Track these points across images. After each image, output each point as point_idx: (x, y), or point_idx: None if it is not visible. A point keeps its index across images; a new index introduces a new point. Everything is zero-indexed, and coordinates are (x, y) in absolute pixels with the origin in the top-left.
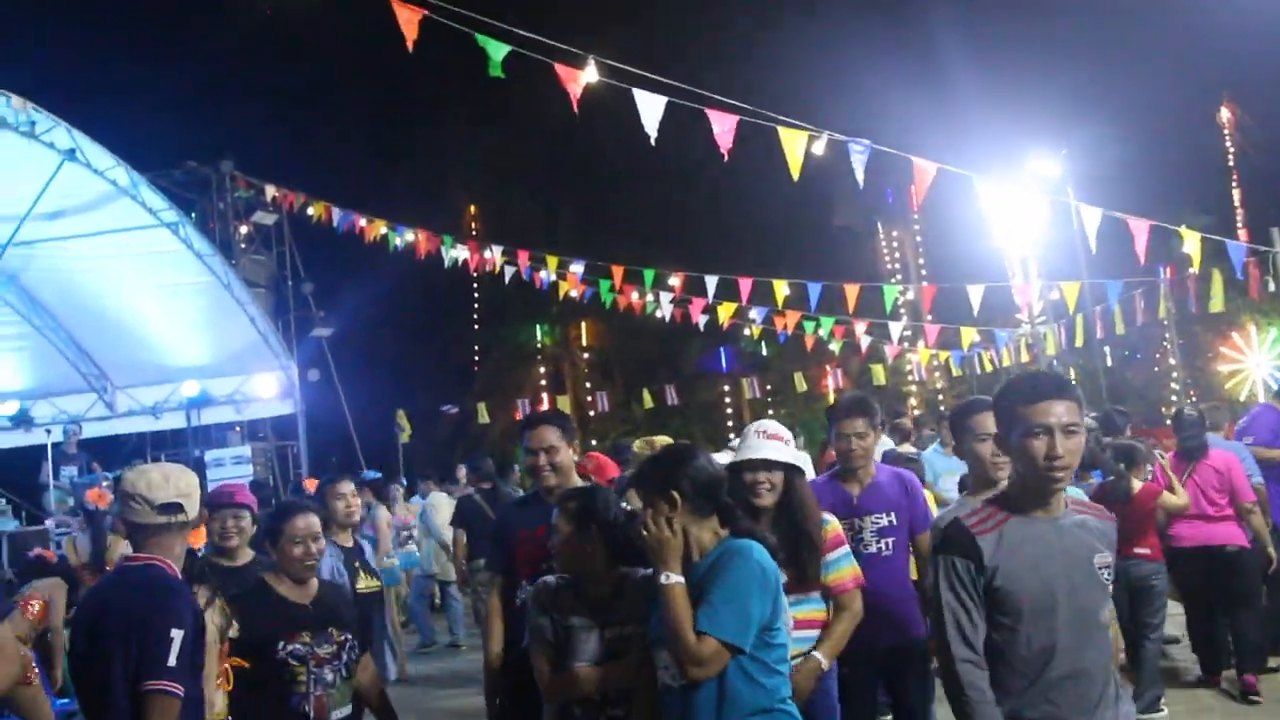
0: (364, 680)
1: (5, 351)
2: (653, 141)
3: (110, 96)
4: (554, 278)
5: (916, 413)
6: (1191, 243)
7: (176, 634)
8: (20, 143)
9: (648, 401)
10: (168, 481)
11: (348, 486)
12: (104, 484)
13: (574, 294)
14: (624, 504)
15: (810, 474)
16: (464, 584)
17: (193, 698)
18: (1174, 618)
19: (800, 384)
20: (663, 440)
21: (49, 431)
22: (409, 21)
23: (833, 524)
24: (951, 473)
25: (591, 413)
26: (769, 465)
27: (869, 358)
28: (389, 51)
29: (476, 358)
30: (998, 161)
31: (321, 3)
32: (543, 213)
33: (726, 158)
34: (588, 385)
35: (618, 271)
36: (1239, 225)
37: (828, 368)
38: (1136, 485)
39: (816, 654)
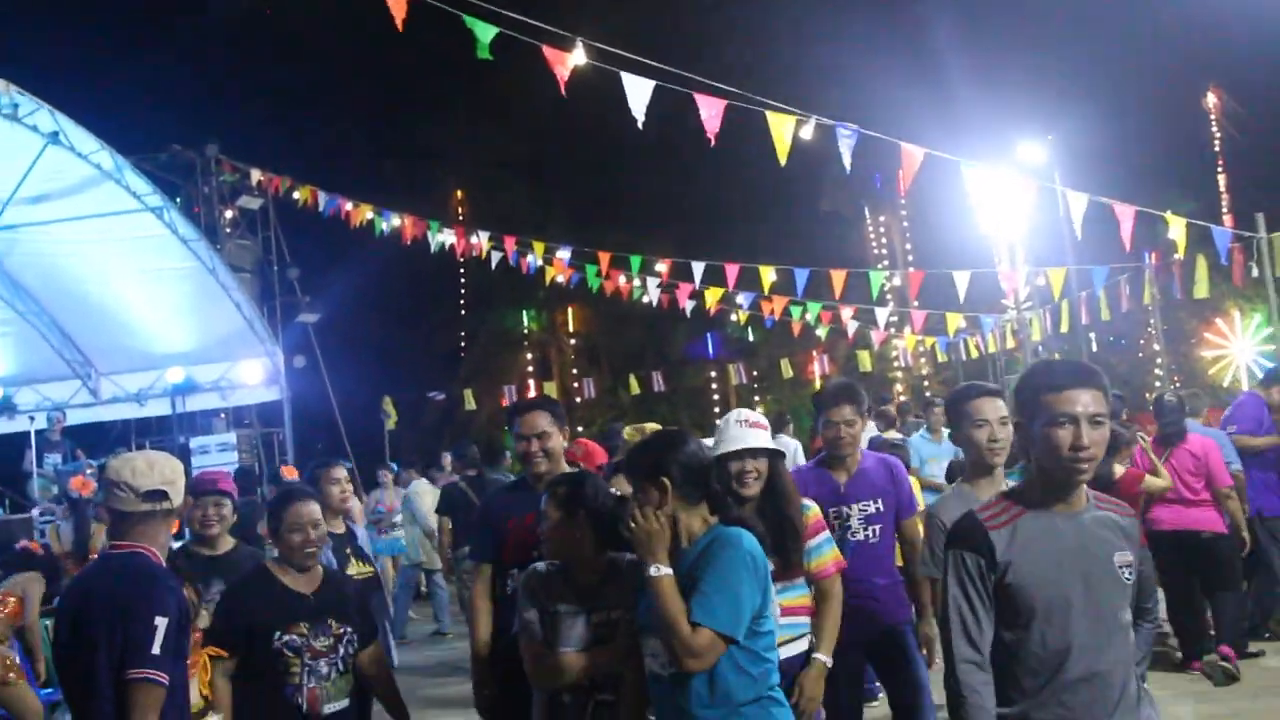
0: (372, 670)
1: None
2: (640, 125)
3: (94, 79)
4: (541, 263)
5: (902, 398)
6: (1177, 228)
7: (161, 622)
8: (3, 126)
9: (634, 387)
10: (152, 469)
11: (341, 472)
12: (88, 472)
13: (561, 279)
14: (613, 489)
15: (800, 460)
16: (449, 572)
17: (177, 686)
18: None
19: (787, 370)
20: (653, 427)
21: (32, 419)
22: (397, 2)
23: (813, 510)
24: (937, 458)
25: (578, 399)
26: (754, 454)
27: (855, 343)
28: (376, 35)
29: (463, 344)
30: (985, 147)
31: None
32: (530, 197)
33: (713, 142)
34: (574, 371)
35: (604, 257)
36: (1224, 211)
37: (814, 353)
38: (1119, 470)
39: (819, 655)
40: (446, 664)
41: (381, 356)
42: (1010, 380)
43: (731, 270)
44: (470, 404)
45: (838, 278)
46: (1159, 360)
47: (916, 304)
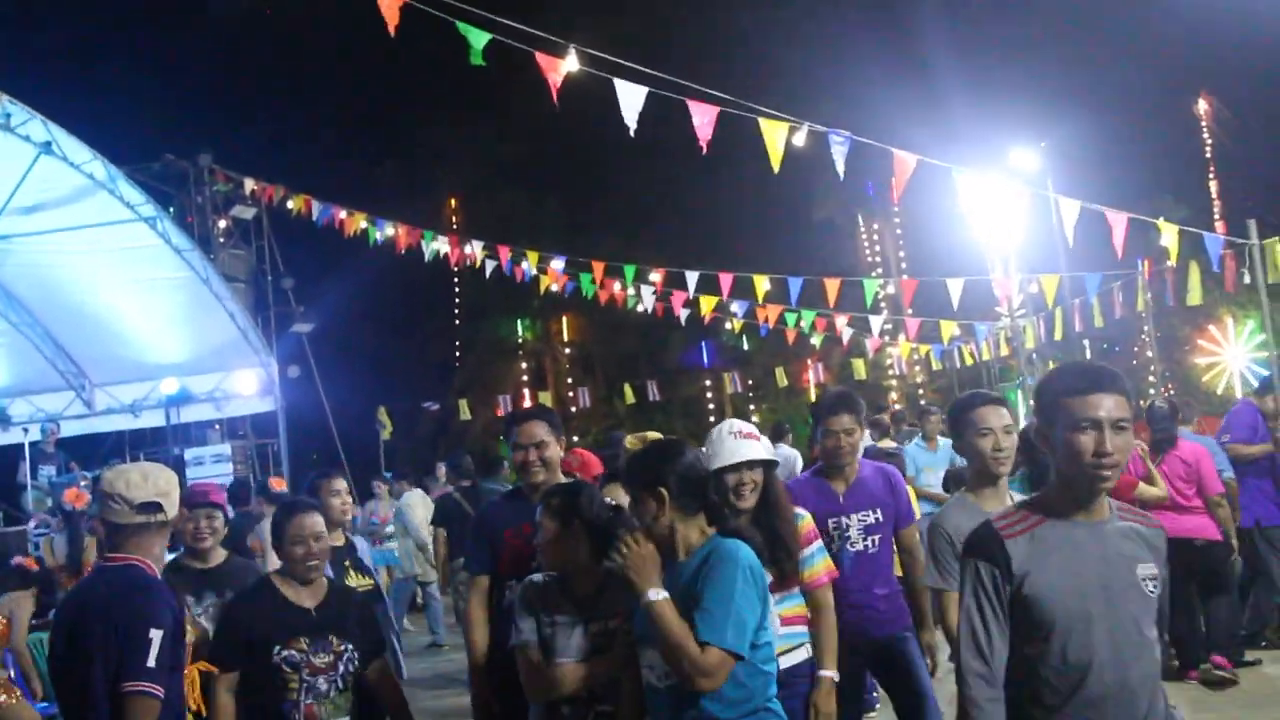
0: (379, 683)
1: None
2: (632, 132)
3: (87, 89)
4: (535, 272)
5: (897, 407)
6: (1169, 235)
7: (156, 634)
8: None
9: (629, 397)
10: (146, 481)
11: (341, 483)
12: (82, 484)
13: (555, 288)
14: (607, 499)
15: (797, 470)
16: (445, 583)
17: (173, 698)
18: None
19: (782, 378)
20: (655, 436)
21: (26, 430)
22: (390, 8)
23: (806, 519)
24: (932, 467)
25: (573, 409)
26: (751, 465)
27: (850, 352)
28: (369, 43)
29: (457, 353)
30: (978, 154)
31: None
32: (524, 205)
33: (706, 149)
34: (569, 381)
35: (598, 266)
36: (1216, 217)
37: (809, 362)
38: None
39: (824, 672)
40: (443, 676)
41: (376, 366)
42: (1004, 388)
43: (726, 279)
44: (465, 414)
45: (832, 286)
46: (1153, 367)
47: (910, 312)
